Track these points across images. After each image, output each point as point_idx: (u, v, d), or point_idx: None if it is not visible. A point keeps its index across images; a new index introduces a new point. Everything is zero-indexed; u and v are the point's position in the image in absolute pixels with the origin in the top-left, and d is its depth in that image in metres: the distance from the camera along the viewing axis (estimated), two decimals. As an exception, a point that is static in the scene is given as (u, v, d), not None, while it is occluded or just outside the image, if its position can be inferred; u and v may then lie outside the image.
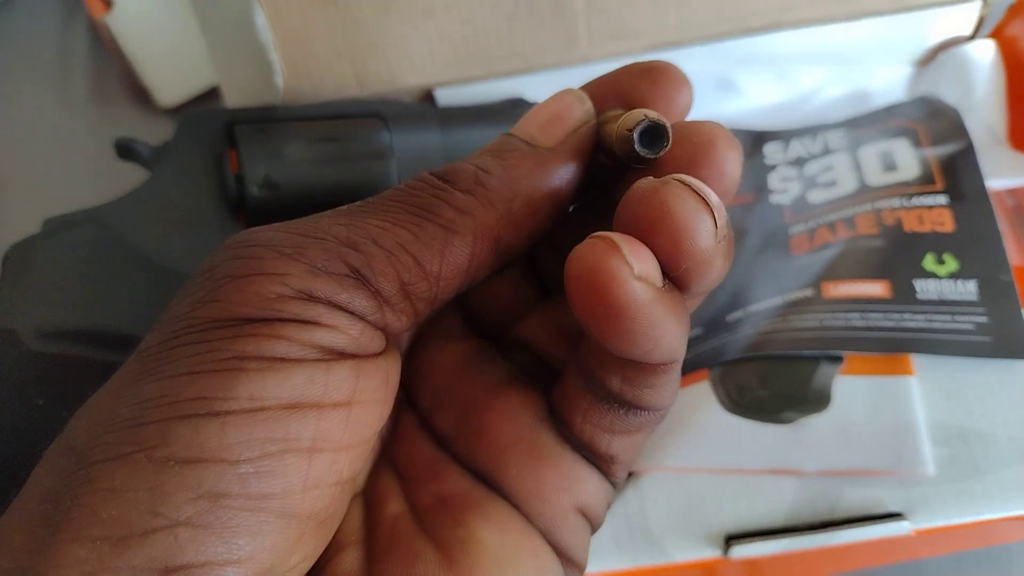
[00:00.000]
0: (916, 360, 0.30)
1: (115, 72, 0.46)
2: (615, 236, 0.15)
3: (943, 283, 0.31)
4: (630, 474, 0.31)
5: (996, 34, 0.40)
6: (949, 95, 0.39)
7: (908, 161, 0.36)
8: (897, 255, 0.32)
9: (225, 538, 0.14)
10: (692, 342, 0.34)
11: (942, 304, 0.31)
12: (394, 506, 0.19)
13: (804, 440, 0.30)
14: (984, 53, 0.39)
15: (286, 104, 0.35)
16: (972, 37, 0.41)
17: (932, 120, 0.37)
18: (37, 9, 0.49)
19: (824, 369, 0.31)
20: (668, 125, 0.17)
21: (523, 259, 0.22)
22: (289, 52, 0.35)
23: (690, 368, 0.33)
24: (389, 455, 0.20)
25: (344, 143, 0.33)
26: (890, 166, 0.36)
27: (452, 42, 0.37)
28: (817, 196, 0.37)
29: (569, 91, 0.20)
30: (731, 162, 0.18)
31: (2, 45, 0.48)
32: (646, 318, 0.15)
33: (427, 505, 0.19)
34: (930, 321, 0.30)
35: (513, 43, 0.37)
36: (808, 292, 0.33)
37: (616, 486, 0.19)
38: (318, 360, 0.16)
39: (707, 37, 0.39)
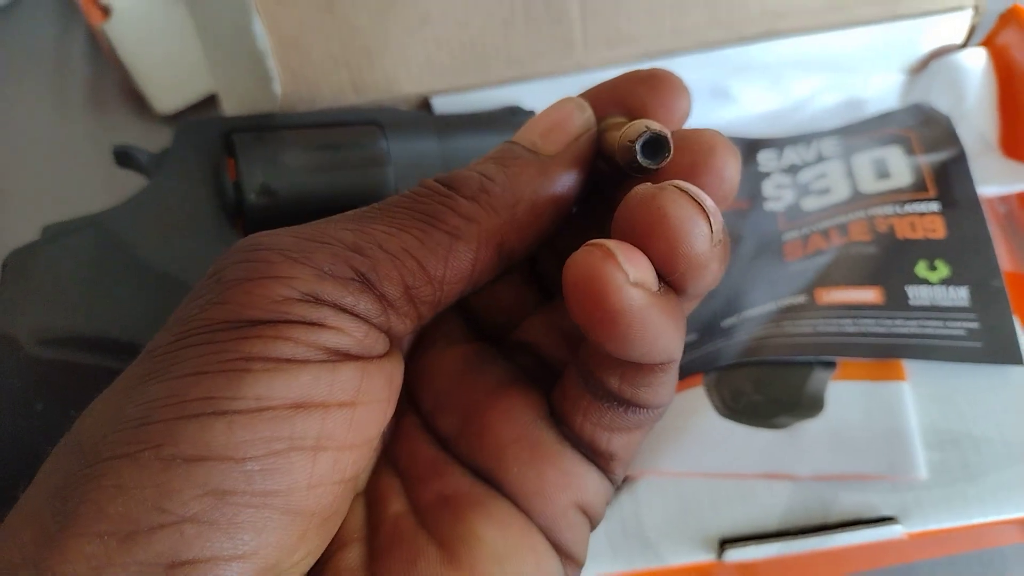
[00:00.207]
0: (908, 365, 0.30)
1: (113, 79, 0.46)
2: (611, 243, 0.16)
3: (935, 289, 0.31)
4: (625, 479, 0.31)
5: (988, 42, 0.40)
6: (941, 103, 0.39)
7: (901, 169, 0.36)
8: (890, 262, 0.33)
9: (230, 534, 0.14)
10: (687, 347, 0.34)
11: (934, 310, 0.31)
12: (396, 505, 0.19)
13: (798, 445, 0.30)
14: (976, 61, 0.39)
15: (284, 111, 0.36)
16: (964, 45, 0.41)
17: (925, 128, 0.38)
18: (36, 17, 0.50)
19: (818, 374, 0.31)
20: (669, 137, 0.17)
21: (525, 263, 0.22)
22: (287, 59, 0.35)
23: (685, 373, 0.33)
24: (391, 456, 0.20)
25: (341, 150, 0.33)
26: (883, 173, 0.36)
27: (449, 49, 0.37)
28: (811, 203, 0.37)
29: (570, 99, 0.20)
30: (731, 168, 0.18)
31: (1, 52, 0.48)
32: (642, 322, 0.15)
33: (429, 504, 0.19)
34: (922, 327, 0.31)
35: (509, 50, 0.38)
36: (802, 298, 0.33)
37: (614, 483, 0.20)
38: (324, 361, 0.16)
39: (702, 45, 0.39)
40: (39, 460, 0.16)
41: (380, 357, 0.18)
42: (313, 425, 0.15)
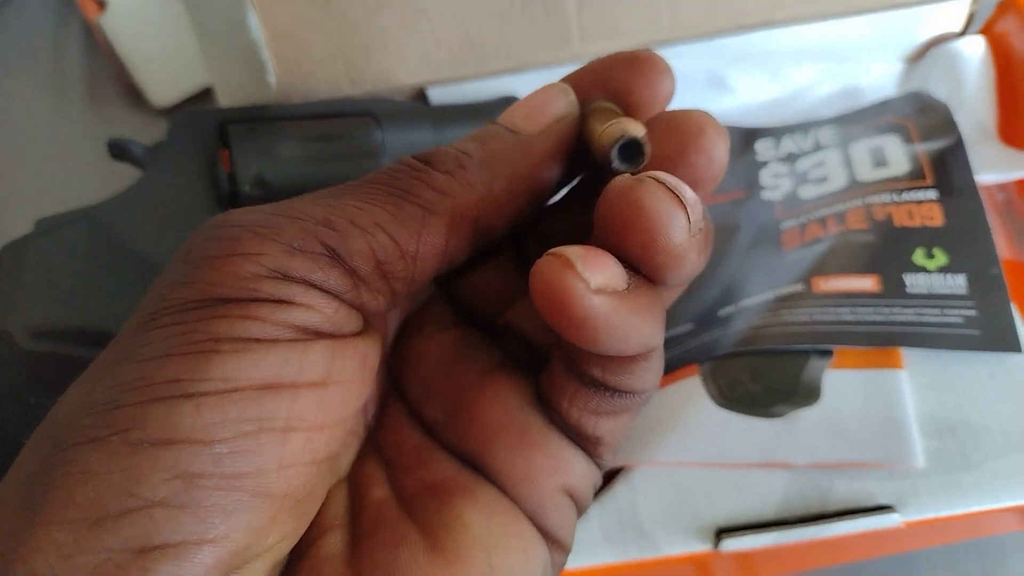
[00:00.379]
0: (906, 353, 0.30)
1: (109, 73, 0.46)
2: (570, 252, 0.16)
3: (933, 277, 0.31)
4: (621, 469, 0.31)
5: (986, 30, 0.40)
6: (939, 91, 0.39)
7: (898, 157, 0.36)
8: (887, 250, 0.32)
9: (200, 517, 0.14)
10: (683, 337, 0.34)
11: (932, 298, 0.31)
12: (379, 491, 0.19)
13: (795, 433, 0.30)
14: (974, 49, 0.39)
15: (279, 103, 0.36)
16: (962, 33, 0.41)
17: (922, 116, 0.37)
18: (31, 10, 0.49)
19: (814, 363, 0.31)
20: (646, 142, 0.17)
21: (511, 248, 0.22)
22: (282, 51, 0.35)
23: (681, 363, 0.33)
24: (376, 444, 0.20)
25: (336, 142, 0.33)
26: (881, 162, 0.36)
27: (446, 43, 0.37)
28: (808, 192, 0.37)
29: (553, 84, 0.20)
30: (719, 148, 0.18)
31: (-4, 47, 0.48)
32: (608, 325, 0.15)
33: (413, 491, 0.19)
34: (920, 315, 0.30)
35: (506, 42, 0.37)
36: (799, 287, 0.33)
37: (602, 468, 0.20)
38: (293, 340, 0.16)
39: (699, 35, 0.39)
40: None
41: (353, 335, 0.17)
42: (283, 406, 0.15)
